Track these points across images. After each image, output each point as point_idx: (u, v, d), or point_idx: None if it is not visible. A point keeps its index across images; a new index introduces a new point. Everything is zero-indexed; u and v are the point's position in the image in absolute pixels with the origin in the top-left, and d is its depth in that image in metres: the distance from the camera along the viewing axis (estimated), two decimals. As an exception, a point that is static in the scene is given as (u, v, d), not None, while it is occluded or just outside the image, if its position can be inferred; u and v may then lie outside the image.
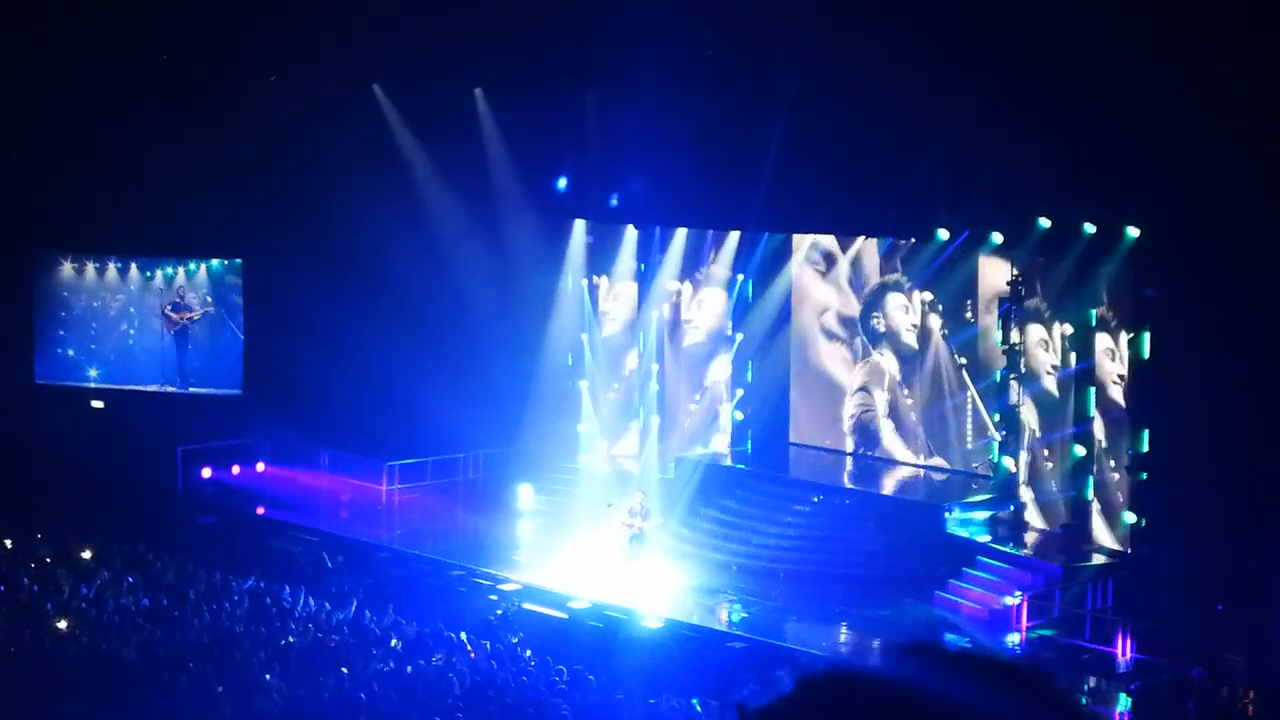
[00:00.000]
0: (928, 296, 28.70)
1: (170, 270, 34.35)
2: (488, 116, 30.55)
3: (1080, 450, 24.84)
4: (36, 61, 30.98)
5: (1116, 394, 24.27)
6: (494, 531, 28.38)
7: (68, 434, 31.25)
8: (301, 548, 27.09)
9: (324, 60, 30.28)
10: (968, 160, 25.17)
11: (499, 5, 29.17)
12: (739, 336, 30.16)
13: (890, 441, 29.26)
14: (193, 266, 34.25)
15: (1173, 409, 22.90)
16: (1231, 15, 21.93)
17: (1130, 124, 22.65)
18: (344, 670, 20.58)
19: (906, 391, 29.04)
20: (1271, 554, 21.64)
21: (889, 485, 28.68)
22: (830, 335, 30.08)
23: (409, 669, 20.78)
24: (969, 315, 28.11)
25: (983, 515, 26.00)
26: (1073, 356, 25.13)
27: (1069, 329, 25.10)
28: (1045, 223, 24.90)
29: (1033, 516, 25.86)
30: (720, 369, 30.76)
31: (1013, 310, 26.04)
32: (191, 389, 34.08)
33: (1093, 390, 24.67)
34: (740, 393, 30.25)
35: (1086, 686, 21.66)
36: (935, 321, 28.64)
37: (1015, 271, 26.01)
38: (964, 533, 25.52)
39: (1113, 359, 24.31)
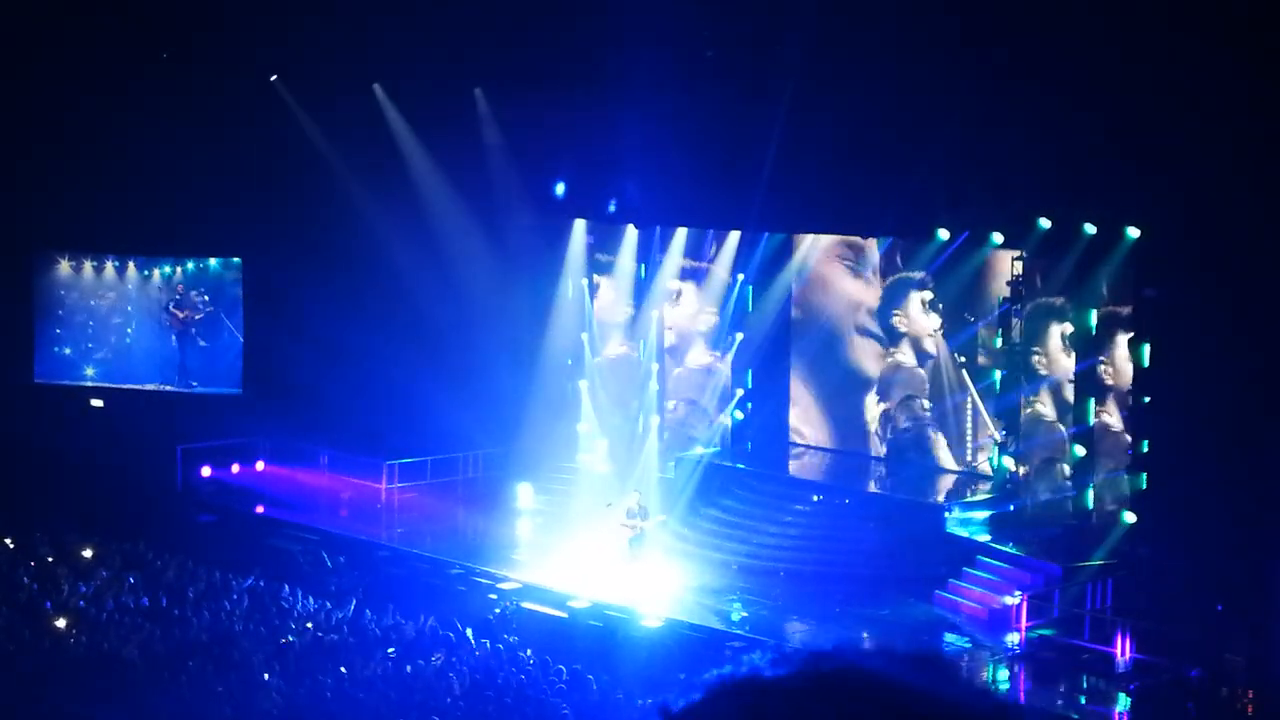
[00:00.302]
0: (928, 295, 28.65)
1: (168, 269, 34.34)
2: (488, 116, 30.55)
3: (1080, 450, 24.84)
4: (35, 60, 30.96)
5: (1117, 393, 24.27)
6: (493, 531, 28.38)
7: (67, 433, 31.25)
8: (301, 547, 27.09)
9: (324, 59, 30.28)
10: (967, 160, 25.16)
11: (499, 5, 29.16)
12: (738, 336, 30.14)
13: (943, 453, 29.02)
14: (190, 266, 34.24)
15: (1173, 409, 22.91)
16: (1231, 15, 21.94)
17: (1131, 123, 22.67)
18: (343, 670, 20.58)
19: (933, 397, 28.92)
20: (1271, 554, 21.65)
21: (888, 485, 28.68)
22: (865, 332, 29.83)
23: (408, 668, 20.78)
24: (968, 314, 28.11)
25: (983, 515, 26.00)
26: (1074, 354, 25.14)
27: (1069, 328, 25.11)
28: (1045, 223, 24.91)
29: (1033, 516, 25.85)
30: (697, 357, 30.78)
31: (1013, 310, 26.07)
32: (194, 387, 34.07)
33: (1093, 390, 24.68)
34: (740, 392, 30.22)
35: (1086, 687, 21.70)
36: (934, 320, 28.62)
37: (1016, 271, 26.02)
38: (964, 532, 25.52)
39: (1112, 351, 24.32)
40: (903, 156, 25.47)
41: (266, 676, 20.04)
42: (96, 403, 33.83)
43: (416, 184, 30.93)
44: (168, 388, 34.14)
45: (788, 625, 23.69)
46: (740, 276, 29.97)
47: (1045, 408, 25.98)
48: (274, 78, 31.66)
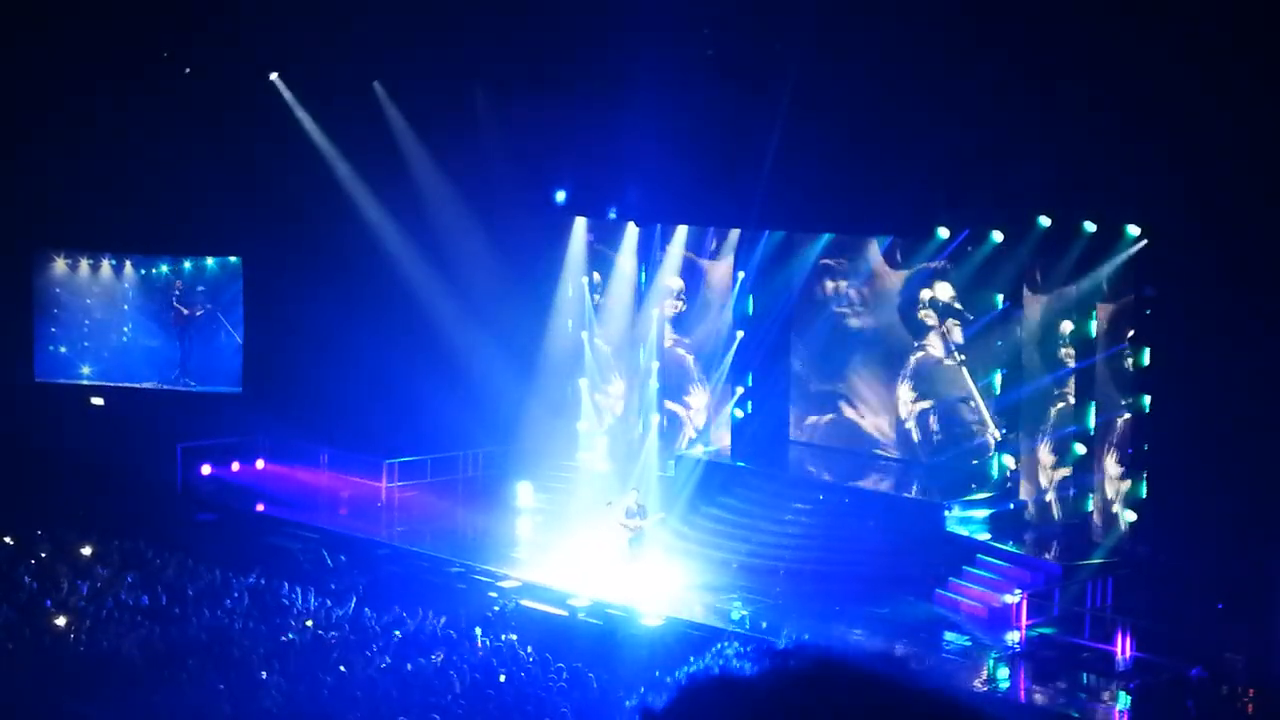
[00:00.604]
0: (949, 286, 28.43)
1: (165, 268, 34.32)
2: (488, 114, 30.55)
3: (1080, 448, 24.85)
4: (33, 57, 30.93)
5: (1117, 392, 24.28)
6: (493, 529, 28.38)
7: (68, 431, 31.24)
8: (301, 545, 27.10)
9: (323, 57, 30.28)
10: (968, 158, 25.16)
11: (500, 4, 29.16)
12: (739, 334, 30.13)
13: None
14: (187, 265, 34.21)
15: (1172, 407, 22.92)
16: (1232, 13, 21.95)
17: (1131, 121, 22.68)
18: (342, 669, 20.58)
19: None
20: (1271, 553, 21.65)
21: (889, 483, 28.66)
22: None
23: (409, 666, 20.79)
24: (969, 312, 28.10)
25: (983, 513, 26.00)
26: (1074, 352, 25.15)
27: (1069, 326, 25.12)
28: (1045, 221, 24.91)
29: (1032, 514, 25.87)
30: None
31: (1014, 308, 26.09)
32: (191, 386, 34.04)
33: (1093, 388, 24.69)
34: (740, 390, 30.22)
35: (1087, 685, 21.70)
36: (933, 317, 28.58)
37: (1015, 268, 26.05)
38: (964, 531, 25.52)
39: (1112, 349, 24.31)
40: (903, 155, 25.48)
41: (264, 675, 20.02)
42: (97, 401, 33.82)
43: (417, 182, 30.93)
44: (164, 386, 34.10)
45: (786, 624, 23.66)
46: (741, 274, 29.95)
47: (1051, 404, 25.91)
48: (274, 75, 31.66)
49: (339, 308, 30.22)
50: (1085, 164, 23.78)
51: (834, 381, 30.23)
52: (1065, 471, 25.29)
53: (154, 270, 34.47)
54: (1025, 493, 26.04)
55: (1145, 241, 23.39)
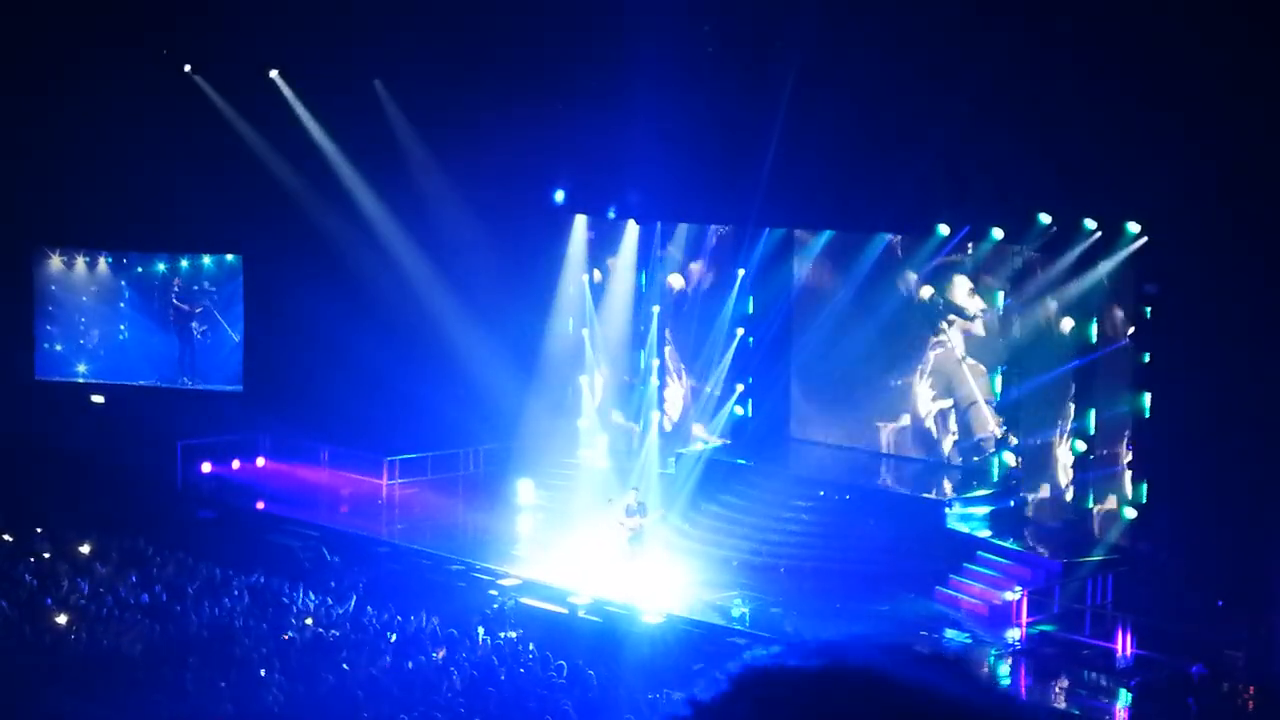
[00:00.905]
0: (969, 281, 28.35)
1: (162, 266, 34.31)
2: (489, 112, 30.52)
3: (1081, 445, 24.84)
4: (32, 55, 30.91)
5: (1118, 389, 24.27)
6: (494, 527, 28.37)
7: (68, 429, 31.23)
8: (301, 543, 27.10)
9: (323, 56, 30.26)
10: (968, 155, 25.15)
11: (500, 2, 29.14)
12: (738, 332, 30.13)
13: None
14: (185, 264, 34.18)
15: (1173, 404, 22.91)
16: (1232, 11, 21.93)
17: (1132, 119, 22.66)
18: (345, 667, 20.59)
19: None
20: (1271, 550, 21.65)
21: (890, 480, 28.66)
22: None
23: (410, 665, 20.80)
24: (969, 310, 28.09)
25: (983, 511, 26.00)
26: (1074, 350, 25.14)
27: (1070, 323, 25.11)
28: (1046, 218, 24.90)
29: (1033, 512, 25.87)
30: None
31: (1014, 304, 26.10)
32: (188, 384, 34.02)
33: (1093, 386, 24.68)
34: (740, 388, 30.21)
35: (1087, 682, 21.70)
36: (979, 304, 28.47)
37: (1016, 266, 26.05)
38: (964, 528, 25.52)
39: (1112, 348, 24.31)
40: (903, 152, 25.46)
41: (263, 673, 20.02)
42: (97, 399, 33.82)
43: (417, 180, 30.92)
44: (163, 384, 34.08)
45: (796, 620, 23.66)
46: (741, 272, 29.94)
47: (1050, 402, 25.88)
48: (273, 73, 31.64)
49: (340, 305, 30.21)
50: (1086, 161, 23.77)
51: (835, 379, 30.18)
52: (1066, 469, 25.27)
53: (151, 268, 34.44)
54: (1026, 490, 26.03)
55: (1146, 239, 23.38)
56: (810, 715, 2.36)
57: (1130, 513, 23.75)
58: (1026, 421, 26.16)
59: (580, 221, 31.47)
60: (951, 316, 28.36)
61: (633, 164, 28.86)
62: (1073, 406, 25.14)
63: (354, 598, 24.04)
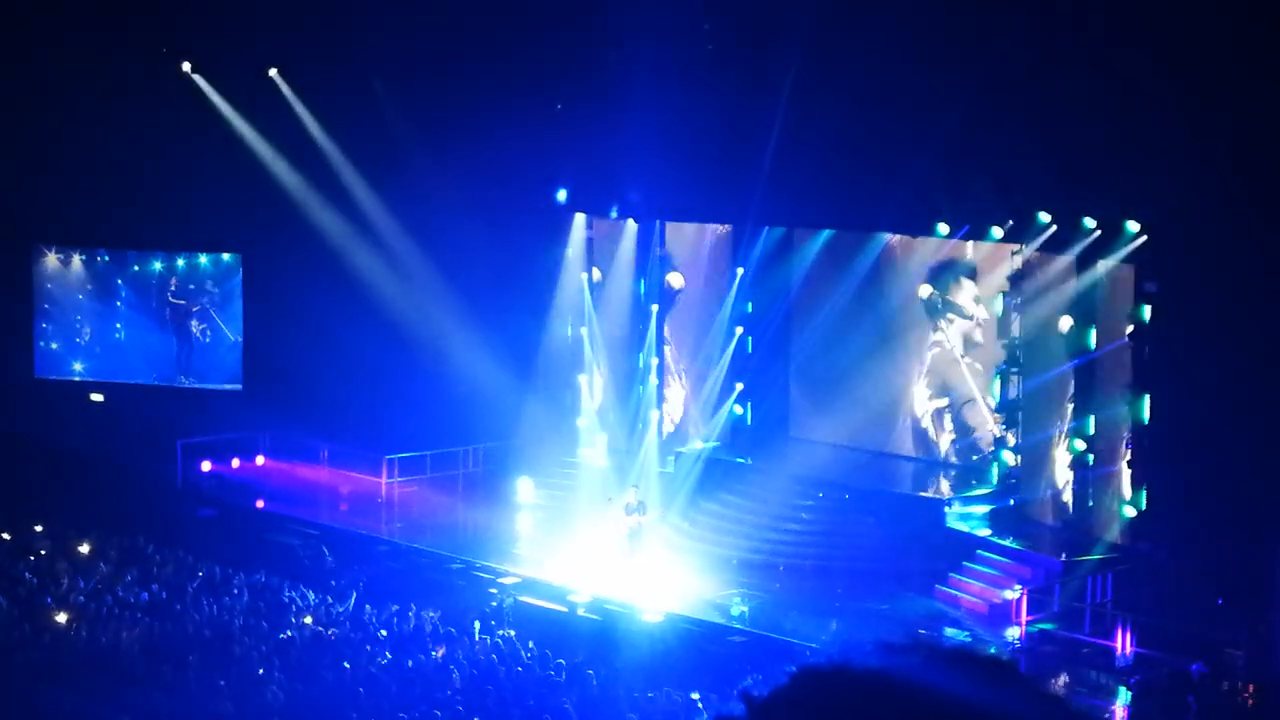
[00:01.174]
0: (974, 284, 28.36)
1: (159, 264, 34.30)
2: (487, 110, 30.50)
3: (1080, 444, 24.84)
4: (29, 52, 30.88)
5: (1118, 387, 24.26)
6: (494, 525, 28.36)
7: (67, 427, 31.22)
8: (301, 541, 27.09)
9: (323, 55, 30.25)
10: (967, 154, 25.15)
11: (500, 1, 29.14)
12: (738, 330, 30.13)
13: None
14: (181, 262, 34.18)
15: (1173, 403, 22.90)
16: (1232, 8, 21.93)
17: (1131, 118, 22.66)
18: (346, 665, 20.59)
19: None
20: (1271, 548, 21.64)
21: (889, 479, 28.65)
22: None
23: (409, 663, 20.79)
24: (969, 310, 28.09)
25: (983, 509, 26.00)
26: (1074, 349, 25.13)
27: (1069, 321, 25.09)
28: (1045, 217, 24.90)
29: (1032, 511, 25.86)
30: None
31: (1012, 303, 26.10)
32: (186, 383, 34.00)
33: (1093, 384, 24.68)
34: (740, 386, 30.21)
35: (1087, 680, 21.69)
36: (982, 311, 28.49)
37: (1015, 264, 26.05)
38: (964, 527, 25.52)
39: (1112, 346, 24.30)
40: (903, 151, 25.46)
41: (261, 672, 20.01)
42: (97, 397, 33.81)
43: (416, 177, 30.90)
44: (161, 383, 34.06)
45: (788, 619, 23.66)
46: (740, 271, 29.93)
47: (1050, 400, 25.87)
48: (273, 71, 31.62)
49: (339, 304, 30.20)
50: (1085, 160, 23.76)
51: (834, 378, 30.16)
52: (1065, 468, 25.26)
53: (148, 266, 34.43)
54: (1025, 489, 26.02)
55: (1145, 238, 23.37)
56: (870, 716, 2.35)
57: (1130, 511, 23.74)
58: (1026, 421, 26.16)
59: (579, 220, 31.45)
60: (951, 315, 28.35)
61: (631, 163, 28.85)
62: (1072, 406, 25.13)
63: (353, 596, 24.03)
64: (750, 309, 30.15)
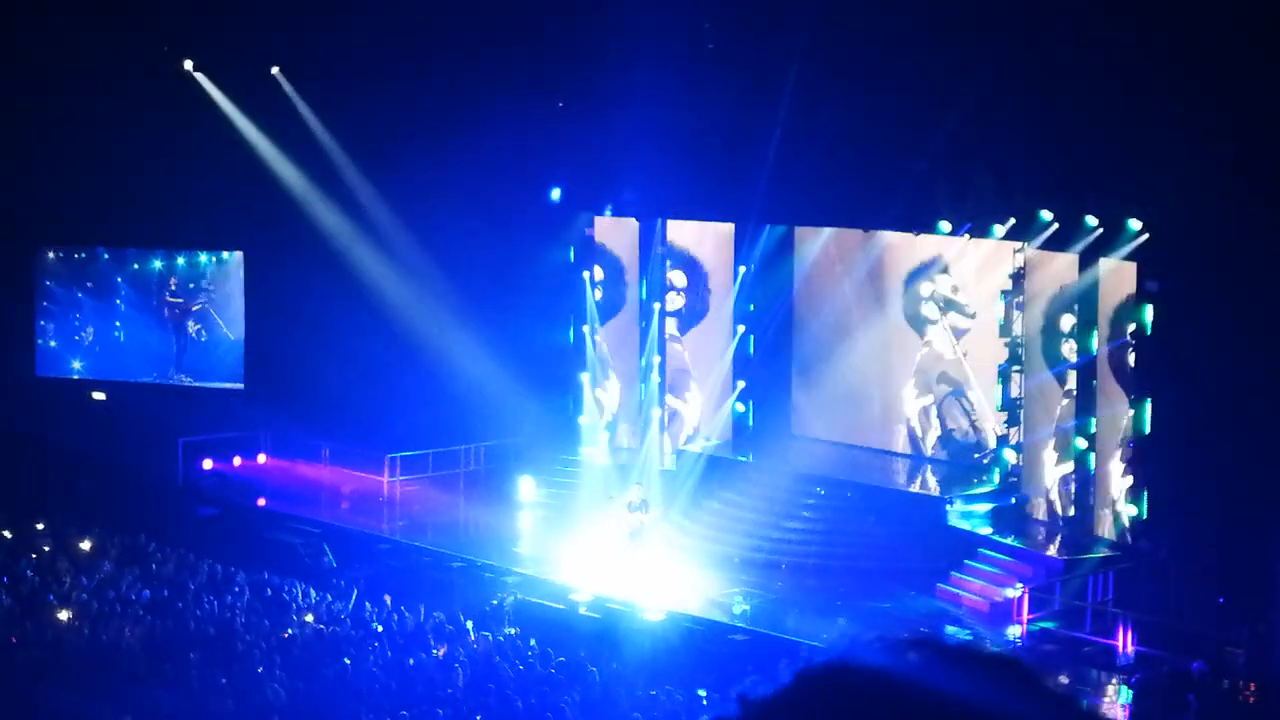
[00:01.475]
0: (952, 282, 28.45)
1: (159, 263, 34.32)
2: (489, 109, 30.49)
3: (1082, 443, 24.84)
4: (30, 49, 30.88)
5: (1119, 386, 24.27)
6: (495, 524, 28.37)
7: (69, 426, 31.22)
8: (302, 540, 27.11)
9: (324, 54, 30.24)
10: (970, 152, 25.16)
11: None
12: (739, 329, 30.15)
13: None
14: (181, 260, 34.19)
15: (1175, 403, 22.90)
16: (1233, 6, 21.93)
17: (1134, 116, 22.66)
18: (346, 661, 20.60)
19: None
20: (1272, 547, 21.64)
21: (890, 478, 28.65)
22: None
23: (411, 661, 20.81)
24: (970, 307, 28.09)
25: (984, 508, 26.01)
26: (1075, 347, 25.13)
27: (1071, 320, 25.10)
28: (1047, 215, 24.90)
29: (1034, 509, 25.87)
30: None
31: (1014, 301, 26.10)
32: (184, 381, 34.02)
33: (1095, 382, 24.68)
34: (741, 384, 30.22)
35: (1088, 679, 21.70)
36: (932, 309, 28.55)
37: (1018, 263, 26.05)
38: (965, 525, 25.53)
39: (1113, 344, 24.30)
40: (904, 148, 25.47)
41: (260, 670, 20.02)
42: (99, 395, 33.83)
43: (418, 176, 30.89)
44: (160, 381, 34.08)
45: (789, 618, 23.67)
46: (743, 269, 29.94)
47: (1052, 398, 25.86)
48: (275, 70, 31.62)
49: (341, 302, 30.21)
50: (1087, 158, 23.76)
51: (836, 376, 30.18)
52: (1067, 466, 25.27)
53: (148, 265, 34.44)
54: (1027, 487, 26.04)
55: (1147, 236, 23.37)
56: (874, 715, 2.33)
57: (1131, 510, 23.75)
58: (1027, 419, 26.16)
59: (581, 219, 31.44)
60: (952, 314, 28.36)
61: (633, 161, 28.85)
62: (1074, 404, 25.13)
63: (355, 594, 24.05)
64: (752, 307, 30.15)
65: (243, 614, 22.75)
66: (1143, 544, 23.43)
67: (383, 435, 30.00)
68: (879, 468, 29.08)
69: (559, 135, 29.89)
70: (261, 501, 29.89)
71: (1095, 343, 24.65)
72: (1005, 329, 26.47)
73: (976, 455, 27.97)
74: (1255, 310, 21.73)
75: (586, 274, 31.40)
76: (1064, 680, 21.56)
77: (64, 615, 22.61)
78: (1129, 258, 23.75)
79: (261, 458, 31.85)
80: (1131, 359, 23.82)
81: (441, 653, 21.29)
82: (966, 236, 26.99)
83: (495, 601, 23.68)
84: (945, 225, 26.95)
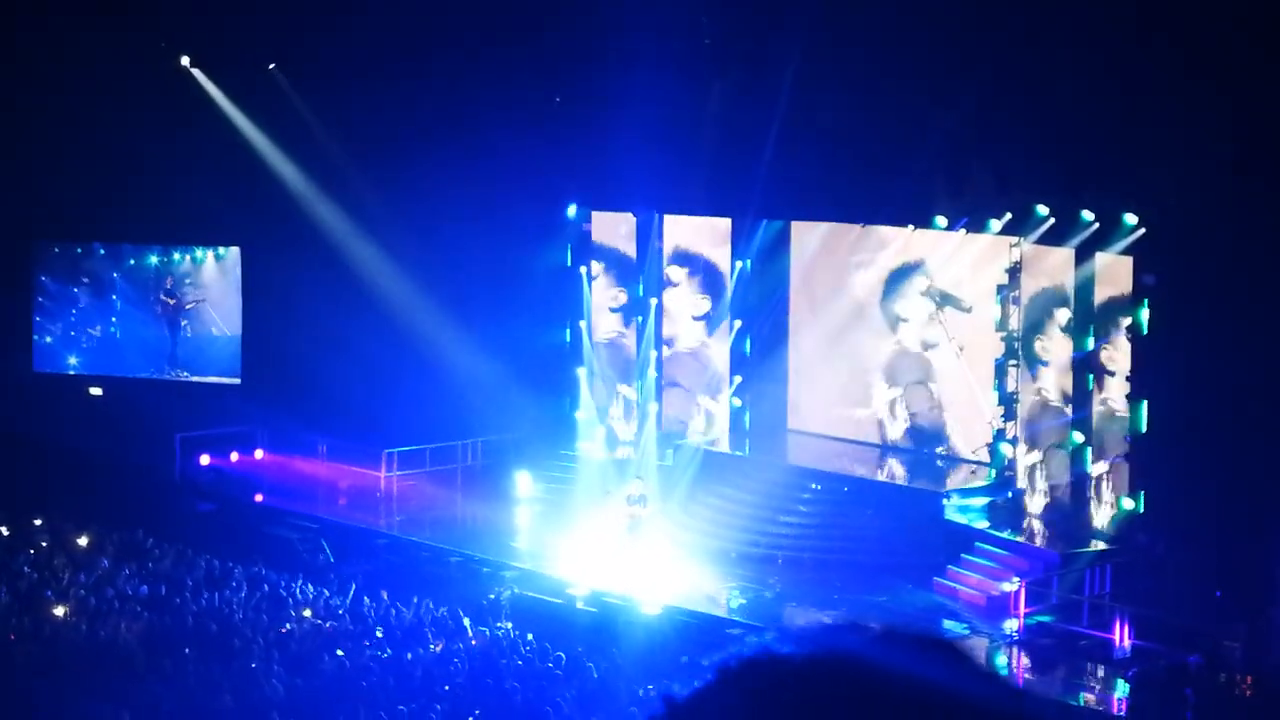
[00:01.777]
0: (926, 281, 28.61)
1: (155, 258, 34.29)
2: (485, 104, 30.46)
3: (1079, 437, 24.86)
4: (26, 45, 30.85)
5: (1116, 381, 24.29)
6: (493, 519, 28.39)
7: (66, 421, 31.22)
8: (300, 535, 27.11)
9: (322, 50, 30.23)
10: (966, 148, 25.16)
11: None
12: (736, 324, 30.15)
13: (956, 437, 28.92)
14: (177, 256, 34.16)
15: (1172, 397, 22.91)
16: (1227, 3, 21.94)
17: (1131, 110, 22.66)
18: (339, 653, 20.61)
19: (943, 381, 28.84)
20: (1270, 541, 21.67)
21: (887, 472, 28.68)
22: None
23: (409, 655, 20.81)
24: (966, 302, 28.12)
25: (981, 502, 26.03)
26: (1071, 342, 25.14)
27: (1068, 314, 25.11)
28: (1043, 210, 24.91)
29: (1031, 503, 25.89)
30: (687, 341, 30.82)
31: (1010, 296, 26.11)
32: (181, 376, 34.04)
33: (1091, 377, 24.69)
34: (739, 379, 30.23)
35: (1085, 673, 21.73)
36: (931, 306, 28.58)
37: (1014, 258, 26.06)
38: (962, 519, 25.55)
39: (1110, 339, 24.31)
40: (901, 143, 25.48)
41: (254, 665, 20.02)
42: (95, 391, 33.82)
43: (414, 172, 30.88)
44: (156, 377, 34.07)
45: (787, 611, 23.70)
46: (739, 264, 29.95)
47: (1051, 393, 25.89)
48: (272, 66, 31.60)
49: (338, 297, 30.21)
50: (1083, 153, 23.76)
51: (833, 370, 30.21)
52: (1064, 460, 25.28)
53: (144, 260, 34.43)
54: (1024, 481, 26.05)
55: (1143, 230, 23.39)
56: (799, 705, 2.29)
57: (1128, 504, 23.77)
58: (1024, 413, 26.17)
59: (578, 214, 31.43)
60: (948, 308, 28.39)
61: (630, 156, 28.80)
62: (1071, 398, 25.14)
63: (353, 589, 24.05)
64: (749, 301, 30.16)
65: (240, 609, 22.75)
66: (1140, 538, 23.45)
67: (380, 430, 30.01)
68: (876, 462, 29.12)
69: (556, 130, 29.87)
70: (259, 497, 29.89)
71: (1091, 336, 24.65)
72: (1002, 323, 26.47)
73: (974, 451, 27.99)
74: (1251, 304, 21.74)
75: (584, 269, 31.40)
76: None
77: (61, 611, 22.61)
78: (1125, 252, 23.75)
79: (259, 453, 31.86)
80: (1128, 353, 23.81)
81: (439, 648, 21.30)
82: (963, 231, 27.03)
83: (492, 596, 23.68)
84: (942, 220, 26.97)
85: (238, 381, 33.49)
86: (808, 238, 30.04)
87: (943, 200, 26.55)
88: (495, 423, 30.60)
